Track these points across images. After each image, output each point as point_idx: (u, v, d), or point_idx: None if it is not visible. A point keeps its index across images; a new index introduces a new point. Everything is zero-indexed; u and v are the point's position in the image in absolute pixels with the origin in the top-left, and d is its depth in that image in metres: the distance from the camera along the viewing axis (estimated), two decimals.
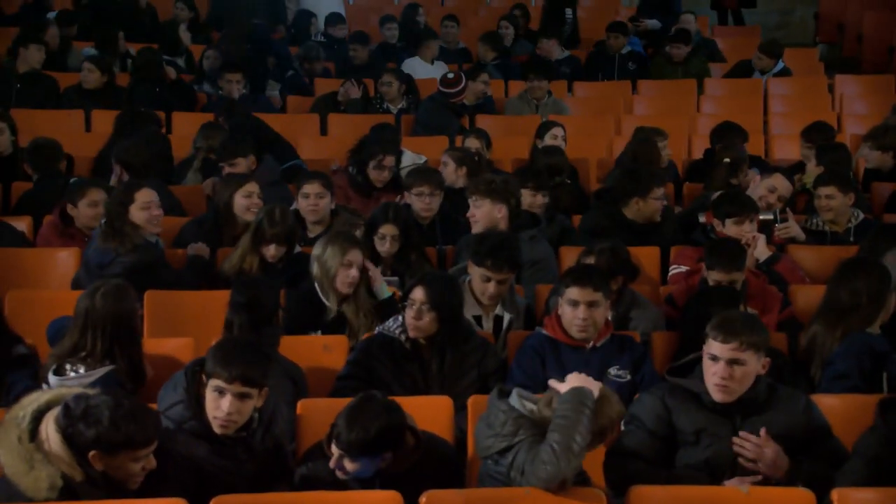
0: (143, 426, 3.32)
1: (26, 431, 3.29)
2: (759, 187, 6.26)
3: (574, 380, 3.60)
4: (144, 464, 3.35)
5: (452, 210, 6.31)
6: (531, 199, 6.11)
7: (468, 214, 5.78)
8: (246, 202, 5.90)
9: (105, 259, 5.35)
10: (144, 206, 5.49)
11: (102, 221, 5.49)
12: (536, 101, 9.09)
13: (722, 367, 3.76)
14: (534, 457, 3.49)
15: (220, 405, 3.66)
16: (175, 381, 3.84)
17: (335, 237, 5.12)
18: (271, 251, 5.42)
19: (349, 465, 3.63)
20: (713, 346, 3.78)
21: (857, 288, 4.63)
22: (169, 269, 5.55)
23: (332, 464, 3.65)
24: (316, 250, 5.06)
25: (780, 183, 6.30)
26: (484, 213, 5.70)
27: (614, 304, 4.93)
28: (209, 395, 3.68)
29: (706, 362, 3.81)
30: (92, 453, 3.28)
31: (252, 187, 5.96)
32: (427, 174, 6.32)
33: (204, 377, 3.72)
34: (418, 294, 4.46)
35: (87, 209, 5.84)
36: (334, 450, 3.65)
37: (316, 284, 5.03)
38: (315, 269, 5.03)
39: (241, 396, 3.65)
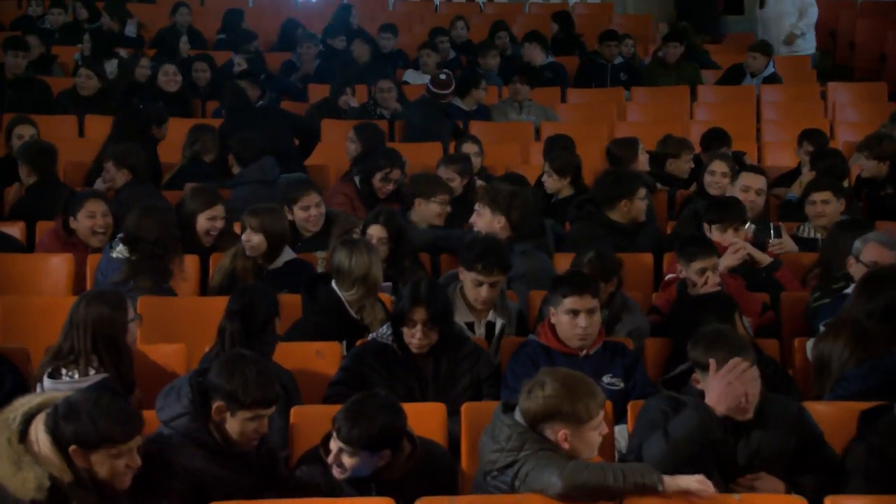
0: (120, 422, 3.34)
1: (16, 433, 3.31)
2: (735, 192, 6.31)
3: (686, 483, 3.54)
4: (128, 461, 3.36)
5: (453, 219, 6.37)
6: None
7: (471, 220, 5.79)
8: (208, 224, 5.84)
9: (119, 278, 5.31)
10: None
11: (119, 242, 5.38)
12: (519, 104, 9.12)
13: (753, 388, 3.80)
14: (544, 468, 3.50)
15: (257, 429, 3.69)
16: (177, 390, 3.78)
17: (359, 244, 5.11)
18: (246, 239, 5.40)
19: (348, 460, 3.63)
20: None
21: (876, 306, 4.48)
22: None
23: (330, 459, 3.65)
24: (341, 260, 5.00)
25: (750, 180, 6.34)
26: (484, 222, 5.72)
27: (605, 306, 4.96)
28: (241, 423, 3.67)
29: (727, 387, 3.76)
30: (72, 448, 3.29)
31: (217, 211, 5.87)
32: (443, 183, 6.38)
33: (220, 403, 3.66)
34: (420, 314, 4.43)
35: (86, 220, 5.82)
36: (333, 446, 3.65)
37: (341, 293, 4.98)
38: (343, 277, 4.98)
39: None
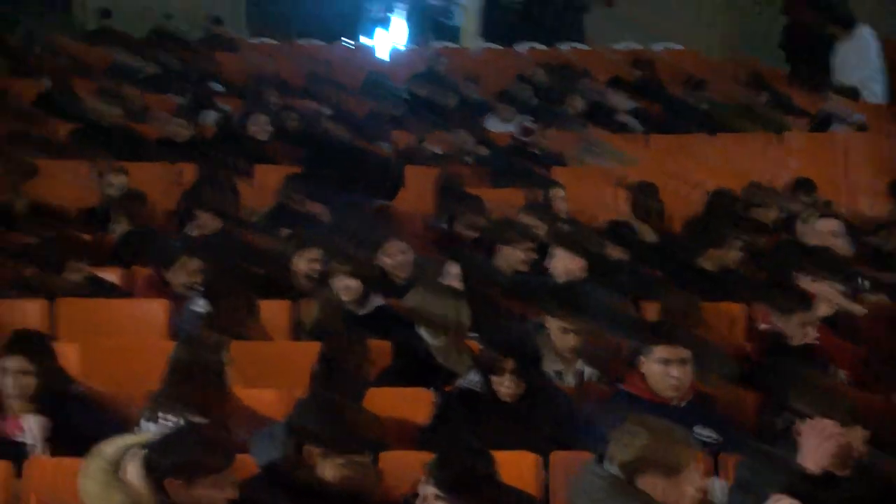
0: (215, 451, 3.40)
1: (109, 462, 3.40)
2: (812, 239, 6.26)
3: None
4: (224, 494, 3.40)
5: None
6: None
7: (546, 263, 5.81)
8: (307, 267, 5.89)
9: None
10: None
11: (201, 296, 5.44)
12: (598, 149, 9.13)
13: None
14: None
15: (351, 475, 3.69)
16: (273, 435, 3.85)
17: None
18: (344, 285, 5.44)
19: None
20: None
21: None
22: None
23: None
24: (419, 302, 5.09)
25: (823, 225, 6.27)
26: (562, 265, 5.74)
27: None
28: (335, 468, 3.67)
29: (817, 446, 3.75)
30: (168, 481, 3.35)
31: (315, 253, 5.92)
32: (527, 229, 6.40)
33: (314, 449, 3.66)
34: (509, 363, 4.44)
35: (181, 277, 5.87)
36: (424, 492, 3.67)
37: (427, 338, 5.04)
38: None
39: None
